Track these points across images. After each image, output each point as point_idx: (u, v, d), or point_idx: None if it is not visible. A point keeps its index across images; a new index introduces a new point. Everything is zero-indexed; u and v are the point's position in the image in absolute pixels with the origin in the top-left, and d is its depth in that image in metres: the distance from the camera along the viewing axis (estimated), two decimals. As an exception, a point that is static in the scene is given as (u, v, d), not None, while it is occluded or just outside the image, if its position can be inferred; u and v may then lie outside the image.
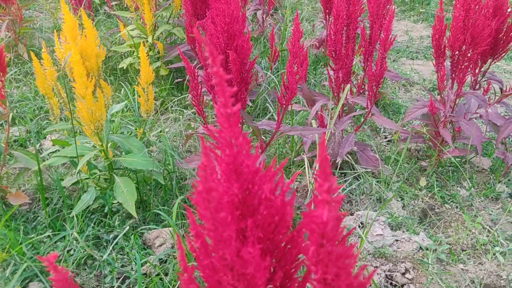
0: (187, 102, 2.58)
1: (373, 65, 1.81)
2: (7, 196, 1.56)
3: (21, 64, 2.93)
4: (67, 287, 0.66)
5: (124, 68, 2.77)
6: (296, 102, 2.44)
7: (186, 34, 2.51)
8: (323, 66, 3.22)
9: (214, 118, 2.41)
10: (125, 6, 3.92)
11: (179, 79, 2.78)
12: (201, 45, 1.75)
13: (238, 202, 0.56)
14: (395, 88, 3.07)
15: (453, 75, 1.89)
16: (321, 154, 0.45)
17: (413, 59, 3.84)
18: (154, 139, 1.91)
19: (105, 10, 3.54)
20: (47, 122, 2.26)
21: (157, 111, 2.30)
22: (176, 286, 1.33)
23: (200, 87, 1.50)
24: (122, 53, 2.98)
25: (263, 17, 3.56)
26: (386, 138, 2.42)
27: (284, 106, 1.50)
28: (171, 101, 2.58)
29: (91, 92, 1.35)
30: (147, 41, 2.71)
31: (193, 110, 2.48)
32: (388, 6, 2.33)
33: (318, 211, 0.44)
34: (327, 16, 3.19)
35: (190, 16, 2.46)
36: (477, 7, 1.78)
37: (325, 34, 3.28)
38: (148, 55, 2.73)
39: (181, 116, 2.38)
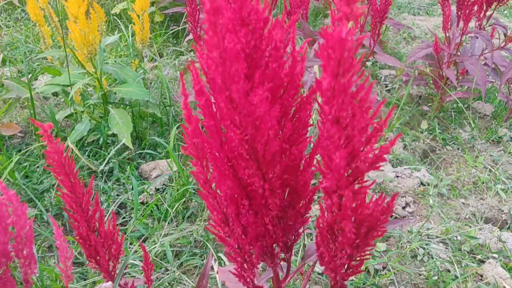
0: (183, 48, 2.51)
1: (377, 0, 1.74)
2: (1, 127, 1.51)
3: (11, 10, 2.84)
4: (61, 161, 0.62)
5: (117, 13, 2.68)
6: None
7: (182, -24, 2.43)
8: (322, 18, 3.14)
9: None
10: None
11: (174, 27, 2.70)
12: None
13: (245, 55, 0.52)
14: (396, 40, 3.01)
15: (459, 12, 1.83)
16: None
17: (414, 15, 3.76)
18: (150, 68, 1.85)
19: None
20: (38, 65, 2.19)
21: (153, 45, 2.23)
22: (172, 211, 1.30)
23: (198, 12, 1.43)
24: None
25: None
26: (387, 86, 2.38)
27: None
28: (166, 47, 2.51)
29: (84, 12, 1.28)
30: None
31: (189, 55, 2.42)
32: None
33: (338, 28, 0.40)
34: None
35: (186, -44, 2.36)
36: None
37: (326, -17, 3.20)
38: (142, 1, 2.64)
39: (176, 61, 2.32)
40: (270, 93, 0.53)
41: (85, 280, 1.09)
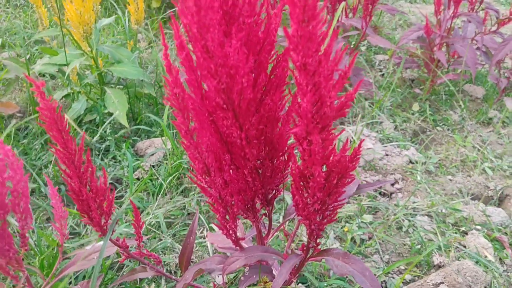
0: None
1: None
2: (-2, 106, 1.55)
3: (10, -4, 2.87)
4: (53, 117, 0.66)
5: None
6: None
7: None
8: None
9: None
10: None
11: (171, 10, 2.73)
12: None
13: (223, 13, 0.56)
14: (392, 26, 3.04)
15: (450, -5, 1.86)
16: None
17: (411, 3, 3.78)
18: (144, 47, 1.89)
19: None
20: (37, 49, 2.23)
21: (149, 30, 2.26)
22: (166, 185, 1.34)
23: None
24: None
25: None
26: (380, 71, 2.41)
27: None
28: (164, 33, 2.54)
29: (80, -9, 1.32)
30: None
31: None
32: None
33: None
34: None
35: None
36: None
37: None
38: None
39: (172, 44, 2.35)
40: (247, 49, 0.57)
41: (81, 246, 1.13)
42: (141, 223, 0.81)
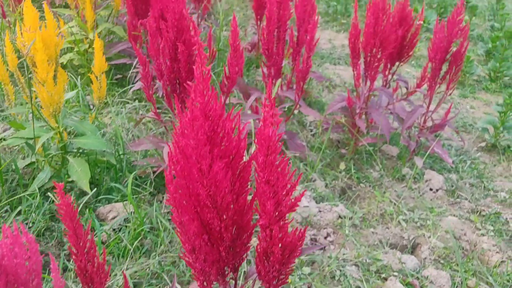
0: (128, 97, 2.72)
1: (300, 63, 2.09)
2: (-38, 176, 1.64)
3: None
4: (71, 211, 0.84)
5: (64, 63, 2.85)
6: (233, 96, 2.67)
7: (128, 33, 2.66)
8: (255, 68, 3.50)
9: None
10: (56, 4, 3.97)
11: (119, 76, 2.92)
12: (157, 40, 1.94)
13: (207, 138, 0.78)
14: (319, 89, 3.42)
15: (366, 73, 2.23)
16: (268, 91, 0.68)
17: (335, 65, 4.23)
18: (108, 121, 2.05)
19: (41, 6, 3.57)
20: (2, 119, 2.31)
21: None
22: (131, 249, 1.50)
23: (150, 75, 1.69)
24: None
25: (198, 20, 3.77)
26: (311, 131, 2.73)
27: (226, 93, 1.73)
28: (112, 95, 2.72)
29: (52, 76, 1.49)
30: (86, 38, 2.82)
31: (134, 104, 2.64)
32: (312, 15, 2.66)
33: (266, 129, 0.68)
34: (259, 21, 3.48)
35: (132, 15, 2.62)
36: (384, 16, 2.13)
37: (257, 38, 3.57)
38: (87, 52, 2.85)
39: (123, 109, 2.53)
40: (225, 164, 0.80)
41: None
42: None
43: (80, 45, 2.74)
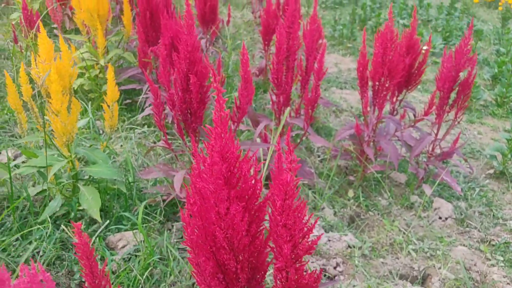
0: (137, 122, 2.75)
1: (308, 91, 2.11)
2: (-26, 203, 1.65)
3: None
4: (88, 251, 0.85)
5: (75, 88, 2.89)
6: (241, 123, 2.69)
7: (138, 59, 2.71)
8: (262, 92, 3.53)
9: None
10: (67, 29, 4.04)
11: (128, 101, 2.95)
12: (167, 68, 1.98)
13: (224, 181, 0.79)
14: (327, 114, 3.44)
15: (375, 102, 2.25)
16: (288, 137, 0.70)
17: (342, 89, 4.26)
18: (119, 150, 2.07)
19: (54, 32, 3.64)
20: (13, 144, 2.34)
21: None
22: (142, 281, 1.50)
23: (162, 105, 1.71)
24: (72, 75, 3.09)
25: (206, 45, 3.82)
26: (319, 157, 2.74)
27: (236, 123, 1.75)
28: (122, 121, 2.74)
29: (65, 107, 1.52)
30: (97, 63, 2.86)
31: (143, 130, 2.66)
32: (320, 41, 2.69)
33: (283, 175, 0.69)
34: (266, 47, 3.53)
35: (142, 42, 2.67)
36: (393, 46, 2.15)
37: (264, 63, 3.61)
38: (98, 77, 2.89)
39: (132, 135, 2.55)
40: (242, 206, 0.81)
41: None
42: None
43: (91, 71, 2.78)
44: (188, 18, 1.60)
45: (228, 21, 4.69)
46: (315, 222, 0.78)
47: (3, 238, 1.58)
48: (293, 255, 0.75)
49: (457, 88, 2.24)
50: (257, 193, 0.82)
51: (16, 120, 2.52)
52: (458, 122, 2.31)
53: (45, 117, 1.71)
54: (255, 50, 4.89)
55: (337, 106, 3.03)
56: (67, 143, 1.59)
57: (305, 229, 0.73)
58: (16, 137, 2.41)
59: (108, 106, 1.78)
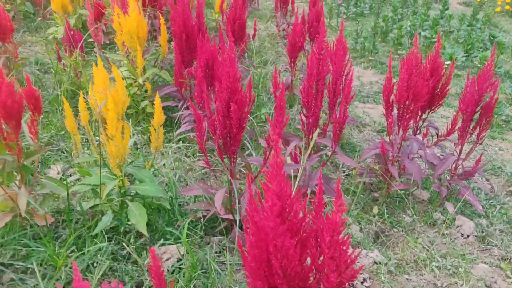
0: (176, 138, 2.91)
1: (337, 114, 2.24)
2: (34, 217, 1.83)
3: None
4: (159, 273, 1.00)
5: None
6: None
7: (175, 78, 2.88)
8: (288, 107, 3.67)
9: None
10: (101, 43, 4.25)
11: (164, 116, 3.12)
12: (203, 88, 2.14)
13: (281, 218, 0.94)
14: (350, 129, 3.55)
15: (399, 123, 2.36)
16: (337, 188, 0.84)
17: (364, 103, 4.36)
18: (166, 171, 2.24)
19: (95, 52, 3.85)
20: (48, 154, 2.52)
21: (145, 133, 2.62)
22: (186, 290, 1.65)
23: (204, 130, 1.86)
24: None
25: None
26: (344, 172, 2.86)
27: (270, 146, 1.89)
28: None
29: (120, 132, 1.68)
30: (135, 81, 3.04)
31: (178, 145, 2.82)
32: (347, 57, 2.81)
33: (334, 216, 0.83)
34: (292, 64, 3.67)
35: (179, 63, 2.84)
36: (417, 71, 2.27)
37: (290, 79, 3.75)
38: (136, 94, 3.07)
39: (170, 150, 2.71)
40: (291, 234, 0.95)
41: None
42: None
43: (130, 89, 2.96)
44: (230, 51, 1.75)
45: (254, 36, 4.85)
46: (358, 254, 0.91)
47: (61, 251, 1.75)
48: (338, 282, 0.88)
49: (479, 111, 2.34)
50: (306, 227, 0.96)
51: (61, 135, 2.72)
52: (480, 143, 2.41)
53: (98, 138, 1.88)
54: (279, 64, 5.03)
55: (361, 123, 3.15)
56: (119, 164, 1.75)
57: (349, 260, 0.87)
58: (62, 152, 2.60)
59: (155, 129, 1.94)
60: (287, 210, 0.93)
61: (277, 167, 0.89)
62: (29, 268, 1.71)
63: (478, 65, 5.36)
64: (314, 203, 0.99)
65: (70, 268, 1.71)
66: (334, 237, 0.84)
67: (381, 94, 4.57)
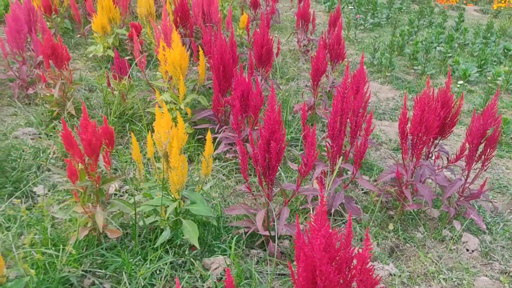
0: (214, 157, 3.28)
1: (358, 145, 2.59)
2: (106, 231, 2.21)
3: (68, 118, 3.57)
4: (231, 284, 1.37)
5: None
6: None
7: (213, 105, 3.24)
8: (310, 126, 4.01)
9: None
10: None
11: (200, 136, 3.50)
12: (239, 117, 2.49)
13: (325, 251, 1.29)
14: (368, 149, 3.88)
15: (413, 150, 2.70)
16: (366, 234, 1.19)
17: (380, 120, 4.68)
18: (214, 195, 2.62)
19: (138, 75, 4.25)
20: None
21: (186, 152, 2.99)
22: (234, 296, 2.02)
23: (247, 160, 2.22)
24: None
25: (261, 82, 4.33)
26: (362, 190, 3.20)
27: (302, 175, 2.25)
28: (197, 155, 3.29)
29: (180, 164, 2.05)
30: (175, 105, 3.42)
31: (215, 164, 3.19)
32: (367, 81, 3.15)
33: (363, 252, 1.18)
34: (315, 86, 4.01)
35: (217, 92, 3.21)
36: (429, 108, 2.59)
37: (313, 101, 4.09)
38: (177, 118, 3.44)
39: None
40: (331, 260, 1.30)
41: None
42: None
43: (172, 112, 3.33)
44: (271, 100, 2.10)
45: (278, 54, 5.20)
46: (379, 279, 1.26)
47: (130, 259, 2.13)
48: (365, 297, 1.23)
49: (484, 142, 2.67)
50: (341, 255, 1.31)
51: (122, 161, 3.11)
52: (485, 170, 2.73)
53: (158, 165, 2.26)
54: (300, 80, 5.37)
55: (378, 145, 3.48)
56: (178, 190, 2.13)
57: (373, 282, 1.22)
58: (116, 170, 2.99)
59: (205, 159, 2.31)
60: (332, 246, 1.28)
61: (321, 216, 1.25)
62: (107, 274, 2.09)
63: (491, 83, 5.60)
64: (344, 235, 1.34)
65: (135, 272, 2.09)
66: (363, 266, 1.19)
67: (397, 111, 4.89)
